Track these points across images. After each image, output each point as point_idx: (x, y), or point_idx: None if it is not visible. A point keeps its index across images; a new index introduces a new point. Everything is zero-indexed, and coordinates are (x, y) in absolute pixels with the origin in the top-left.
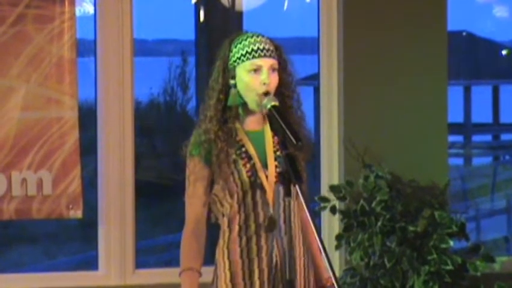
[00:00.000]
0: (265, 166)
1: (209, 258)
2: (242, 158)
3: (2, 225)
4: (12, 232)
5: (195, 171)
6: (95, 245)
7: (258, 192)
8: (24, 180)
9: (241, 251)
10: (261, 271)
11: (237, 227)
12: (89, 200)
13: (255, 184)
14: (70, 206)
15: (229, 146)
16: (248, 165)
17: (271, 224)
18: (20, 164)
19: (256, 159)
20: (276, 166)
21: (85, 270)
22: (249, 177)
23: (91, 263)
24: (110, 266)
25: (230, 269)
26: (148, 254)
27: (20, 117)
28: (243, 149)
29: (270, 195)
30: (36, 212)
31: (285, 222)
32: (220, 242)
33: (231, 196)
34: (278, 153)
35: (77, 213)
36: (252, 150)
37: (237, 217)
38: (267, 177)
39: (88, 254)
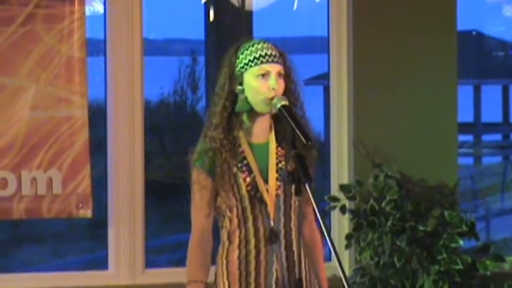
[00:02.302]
0: (266, 179)
1: (213, 259)
2: (243, 172)
3: (11, 224)
4: (22, 231)
5: (200, 181)
6: (105, 245)
7: (259, 206)
8: (34, 180)
9: (240, 262)
10: (257, 285)
11: (237, 240)
12: (99, 199)
13: (255, 198)
14: (80, 206)
15: (232, 157)
16: (248, 179)
17: (273, 236)
18: (30, 164)
19: (257, 173)
20: (277, 179)
21: (94, 269)
22: (249, 191)
23: (100, 263)
24: (120, 265)
25: (228, 278)
26: (158, 253)
27: (29, 117)
28: (245, 162)
29: (271, 208)
30: (46, 212)
31: (285, 237)
32: (220, 251)
33: (231, 210)
34: (280, 165)
35: (87, 212)
36: (253, 164)
37: (237, 231)
38: (267, 190)
39: (98, 253)
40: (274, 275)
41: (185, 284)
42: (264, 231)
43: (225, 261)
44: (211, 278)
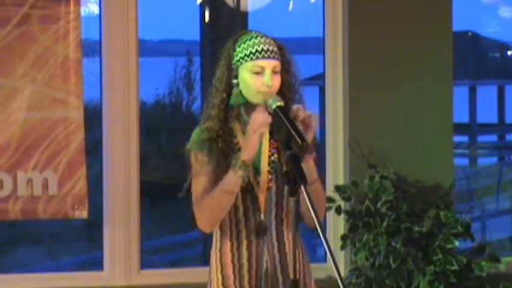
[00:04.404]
0: (258, 171)
1: (205, 260)
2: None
3: (7, 225)
4: (17, 232)
5: (200, 161)
6: (100, 245)
7: (249, 198)
8: (29, 181)
9: (232, 255)
10: (251, 276)
11: (228, 231)
12: (95, 200)
13: (247, 189)
14: (75, 206)
15: (228, 147)
16: None
17: (262, 230)
18: (25, 164)
19: (250, 165)
20: (269, 172)
21: (90, 270)
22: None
23: (96, 264)
24: (115, 266)
25: (222, 272)
26: (153, 254)
27: (25, 118)
28: (239, 153)
29: (261, 201)
30: (42, 212)
31: (276, 228)
32: (213, 244)
33: None
34: (273, 158)
35: (83, 213)
36: None
37: (228, 221)
38: (258, 183)
39: (93, 254)
40: (265, 267)
41: (220, 193)
42: (254, 223)
43: (218, 254)
44: (205, 278)
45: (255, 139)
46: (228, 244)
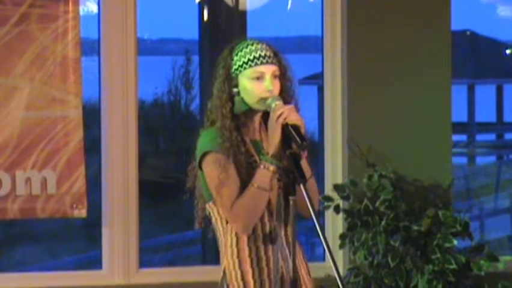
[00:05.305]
0: None
1: (203, 259)
2: (253, 168)
3: (6, 224)
4: (16, 231)
5: (228, 165)
6: (99, 244)
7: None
8: (28, 180)
9: (251, 260)
10: (271, 281)
11: (245, 237)
12: (93, 199)
13: None
14: (74, 205)
15: (243, 154)
16: None
17: (274, 236)
18: (24, 163)
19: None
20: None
21: (88, 269)
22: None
23: (94, 262)
24: (114, 265)
25: (243, 278)
26: (152, 253)
27: (24, 117)
28: (253, 159)
29: (273, 205)
30: (41, 211)
31: (285, 233)
32: (229, 251)
33: None
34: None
35: (82, 212)
36: (257, 160)
37: None
38: (272, 188)
39: (92, 253)
40: (280, 272)
41: (255, 191)
42: (269, 228)
43: (237, 261)
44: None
45: (278, 131)
46: (246, 249)
